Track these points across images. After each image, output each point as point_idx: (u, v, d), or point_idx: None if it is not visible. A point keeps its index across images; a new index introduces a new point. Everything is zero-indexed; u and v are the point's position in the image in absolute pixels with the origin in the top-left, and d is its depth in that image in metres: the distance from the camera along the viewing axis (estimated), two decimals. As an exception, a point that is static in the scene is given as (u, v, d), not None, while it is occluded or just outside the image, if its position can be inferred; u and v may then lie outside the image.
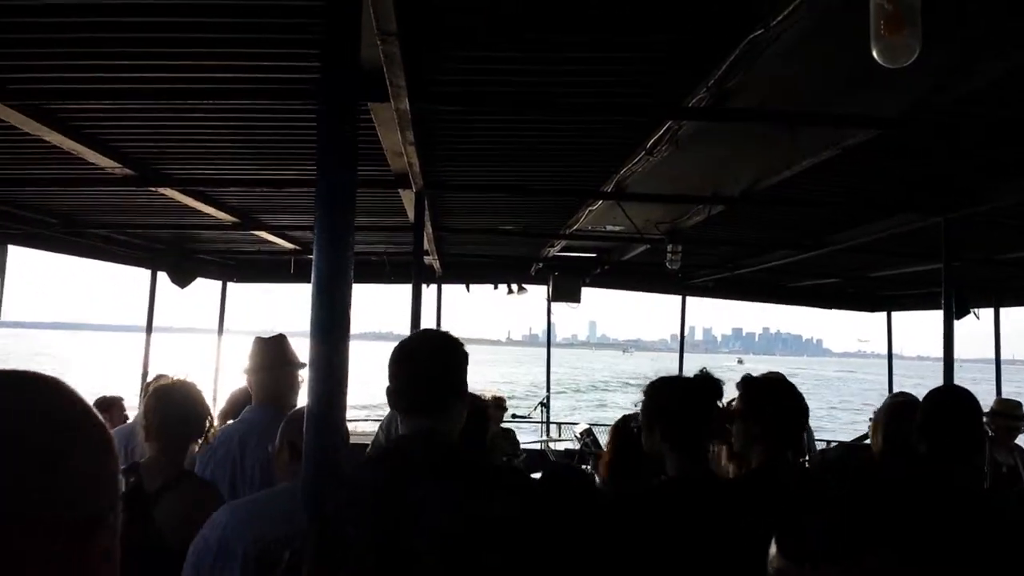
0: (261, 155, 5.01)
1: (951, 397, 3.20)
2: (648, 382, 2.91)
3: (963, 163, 4.63)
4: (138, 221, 7.47)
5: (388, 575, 2.02)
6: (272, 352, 3.79)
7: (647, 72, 3.51)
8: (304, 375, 3.64)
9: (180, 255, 9.10)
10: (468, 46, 3.27)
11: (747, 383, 3.06)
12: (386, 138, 4.16)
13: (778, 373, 3.11)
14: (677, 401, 2.74)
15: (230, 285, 10.83)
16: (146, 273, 9.38)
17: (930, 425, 3.00)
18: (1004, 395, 9.94)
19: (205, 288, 10.81)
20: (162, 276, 9.18)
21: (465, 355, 2.33)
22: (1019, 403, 6.86)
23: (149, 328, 9.39)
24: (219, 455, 3.39)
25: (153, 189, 5.67)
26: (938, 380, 5.64)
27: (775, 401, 2.98)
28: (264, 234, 7.73)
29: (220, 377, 10.38)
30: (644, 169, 4.79)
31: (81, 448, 0.83)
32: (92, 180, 5.49)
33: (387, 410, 6.45)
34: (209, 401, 3.38)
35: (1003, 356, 10.29)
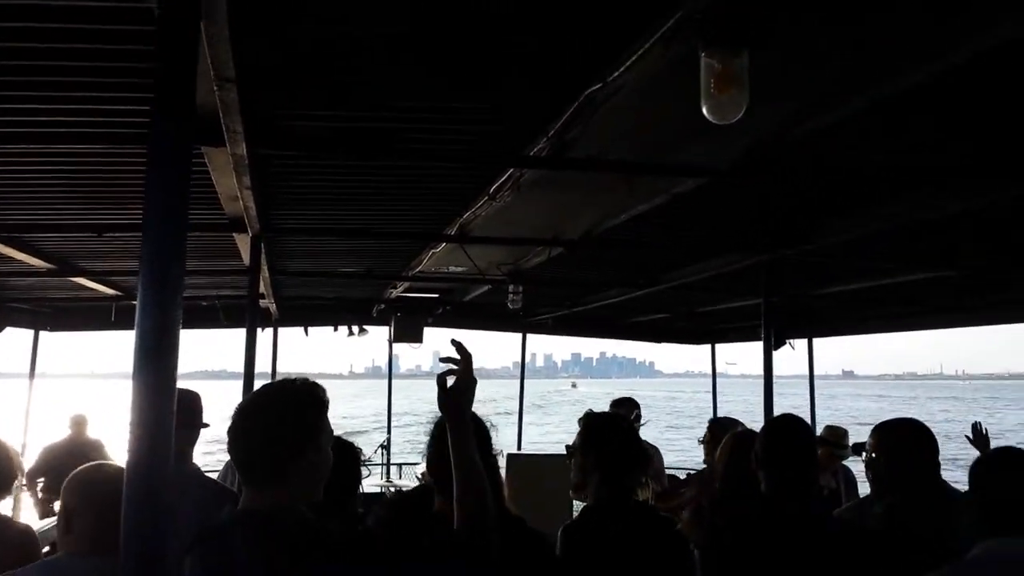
0: (84, 199, 4.69)
1: (787, 426, 3.36)
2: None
3: (784, 208, 4.97)
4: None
5: None
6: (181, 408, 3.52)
7: (490, 120, 3.56)
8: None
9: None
10: (308, 90, 3.20)
11: (587, 418, 3.15)
12: (221, 183, 3.99)
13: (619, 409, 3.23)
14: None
15: (44, 334, 10.02)
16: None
17: (770, 456, 3.15)
18: (818, 410, 10.77)
19: (15, 336, 9.99)
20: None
21: (311, 404, 2.07)
22: (846, 431, 7.34)
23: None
24: None
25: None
26: (757, 396, 6.04)
27: (611, 436, 3.08)
28: (83, 280, 7.20)
29: (31, 428, 9.60)
30: (487, 213, 4.84)
31: None
32: None
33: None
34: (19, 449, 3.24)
35: (816, 373, 11.16)
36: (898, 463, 3.08)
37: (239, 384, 5.20)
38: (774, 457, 3.10)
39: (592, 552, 2.78)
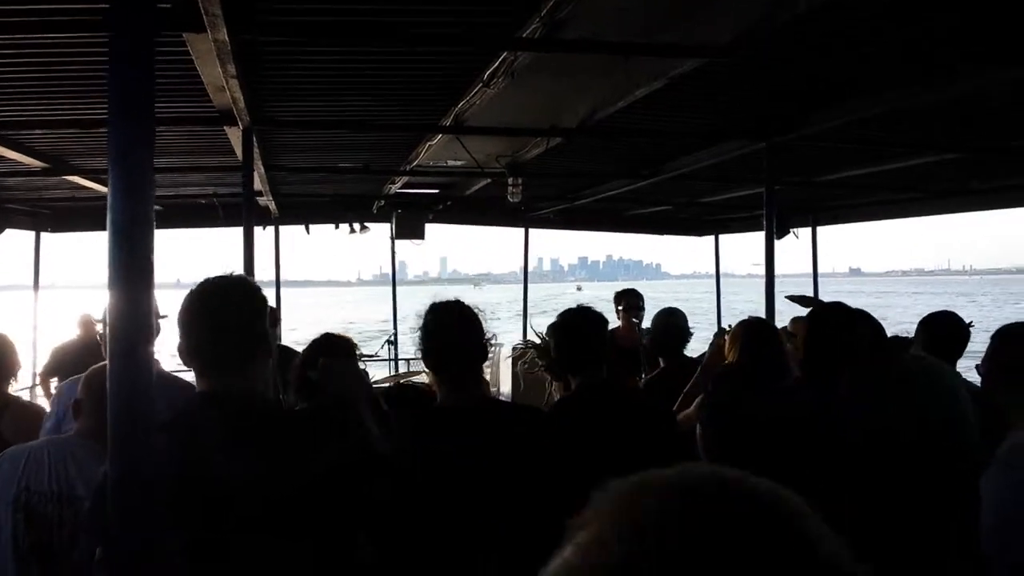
0: (69, 94, 4.58)
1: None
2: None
3: (785, 90, 4.85)
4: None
5: (197, 557, 1.89)
6: None
7: (479, 2, 3.43)
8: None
9: (-16, 205, 8.31)
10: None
11: (559, 316, 3.19)
12: (206, 72, 3.89)
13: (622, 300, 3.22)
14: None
15: (45, 235, 10.01)
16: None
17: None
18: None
19: (19, 240, 10.01)
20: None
21: (264, 301, 2.13)
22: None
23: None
24: None
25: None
26: (761, 293, 6.03)
27: (574, 330, 3.11)
28: (78, 179, 7.14)
29: (40, 333, 9.71)
30: (482, 102, 4.73)
31: None
32: None
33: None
34: (27, 356, 3.52)
35: (820, 270, 11.10)
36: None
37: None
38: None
39: (575, 435, 2.81)
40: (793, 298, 5.31)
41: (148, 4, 1.64)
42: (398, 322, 11.39)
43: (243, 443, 1.91)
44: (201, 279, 2.11)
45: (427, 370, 2.72)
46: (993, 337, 2.33)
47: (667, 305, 4.89)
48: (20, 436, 3.54)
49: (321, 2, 3.40)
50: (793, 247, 10.95)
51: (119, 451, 1.53)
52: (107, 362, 2.15)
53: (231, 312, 2.03)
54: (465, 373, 2.59)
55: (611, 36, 3.63)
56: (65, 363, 7.78)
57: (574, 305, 3.32)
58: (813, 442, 2.91)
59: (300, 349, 3.23)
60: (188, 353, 2.02)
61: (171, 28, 3.14)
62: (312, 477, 1.96)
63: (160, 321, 3.65)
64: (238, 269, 5.25)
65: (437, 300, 2.70)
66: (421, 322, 2.65)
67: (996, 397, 2.32)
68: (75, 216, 9.77)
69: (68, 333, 8.55)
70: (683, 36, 3.67)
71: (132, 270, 1.57)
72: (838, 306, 3.21)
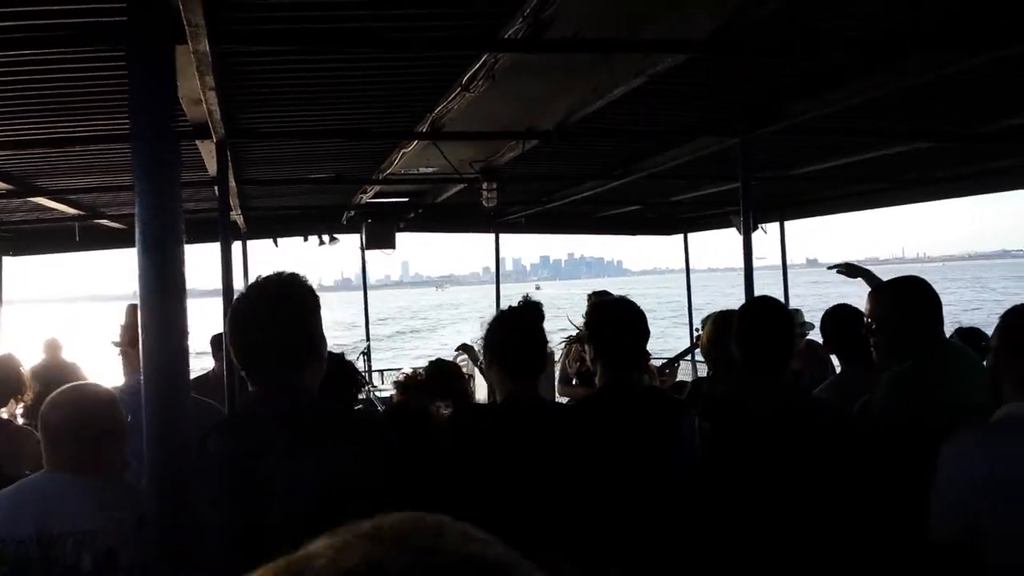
0: (37, 113, 4.48)
1: (763, 308, 3.36)
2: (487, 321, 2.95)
3: (760, 85, 4.90)
4: None
5: (248, 556, 1.89)
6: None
7: (462, 3, 3.42)
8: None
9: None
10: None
11: (593, 306, 3.13)
12: (183, 85, 3.80)
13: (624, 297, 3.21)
14: (504, 334, 2.79)
15: (7, 259, 9.78)
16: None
17: (744, 337, 3.16)
18: (791, 298, 10.91)
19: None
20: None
21: (316, 302, 2.14)
22: (799, 311, 7.46)
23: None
24: None
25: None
26: (721, 288, 6.06)
27: (615, 322, 3.07)
28: (43, 200, 6.98)
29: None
30: (460, 107, 4.71)
31: None
32: None
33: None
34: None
35: (775, 263, 11.25)
36: (907, 325, 3.05)
37: (211, 301, 5.15)
38: (748, 337, 3.11)
39: (600, 435, 2.80)
40: (842, 268, 5.32)
41: (165, 12, 1.60)
42: (370, 331, 11.32)
43: (296, 443, 1.95)
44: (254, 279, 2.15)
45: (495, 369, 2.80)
46: (1004, 316, 2.37)
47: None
48: (8, 459, 3.52)
49: (302, 9, 3.36)
50: (756, 242, 11.08)
51: (159, 468, 1.49)
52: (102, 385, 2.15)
53: (274, 319, 2.04)
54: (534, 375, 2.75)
55: (594, 34, 3.63)
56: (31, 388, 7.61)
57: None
58: (815, 435, 2.93)
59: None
60: (240, 357, 2.04)
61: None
62: (362, 477, 1.96)
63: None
64: (210, 282, 5.21)
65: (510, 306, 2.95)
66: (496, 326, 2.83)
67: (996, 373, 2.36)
68: (38, 238, 9.57)
69: (33, 356, 8.36)
70: (663, 31, 3.69)
71: (166, 287, 1.53)
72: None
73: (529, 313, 2.93)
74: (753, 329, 3.08)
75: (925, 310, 3.04)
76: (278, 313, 2.05)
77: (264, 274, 2.15)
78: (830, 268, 5.26)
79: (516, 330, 2.86)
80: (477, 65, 4.05)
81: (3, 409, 3.91)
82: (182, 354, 1.56)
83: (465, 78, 4.24)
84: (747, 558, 2.66)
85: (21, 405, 3.94)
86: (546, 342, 2.91)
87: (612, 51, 3.78)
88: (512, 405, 2.73)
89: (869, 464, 2.85)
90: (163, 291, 1.56)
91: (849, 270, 5.30)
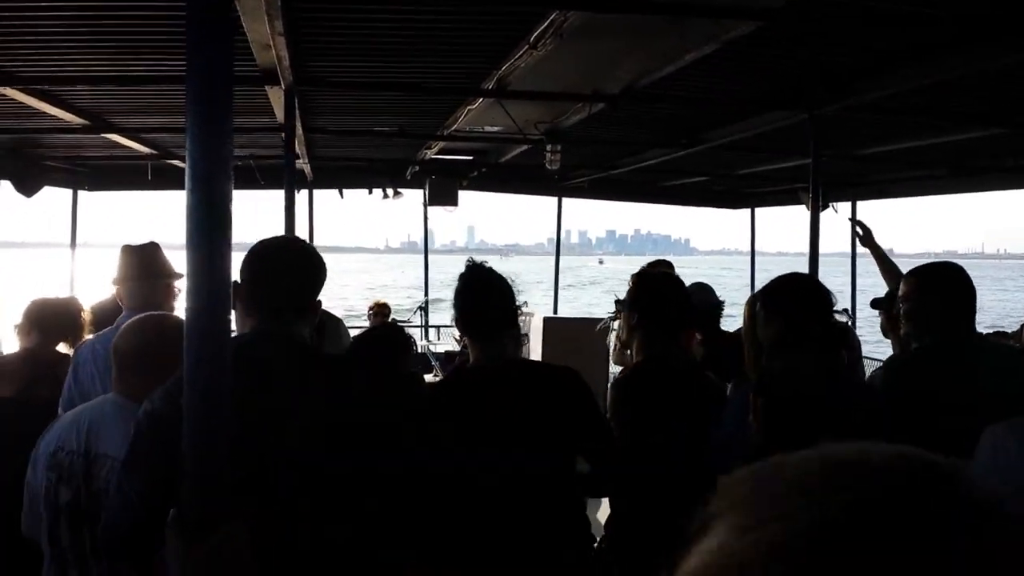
0: (111, 49, 4.57)
1: (809, 286, 3.24)
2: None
3: (832, 59, 4.73)
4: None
5: (255, 488, 1.95)
6: (144, 261, 3.80)
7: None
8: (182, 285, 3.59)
9: (24, 162, 8.35)
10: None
11: (638, 276, 3.08)
12: (252, 29, 3.86)
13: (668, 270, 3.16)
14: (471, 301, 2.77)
15: (83, 193, 10.09)
16: (-15, 183, 8.56)
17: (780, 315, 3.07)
18: (858, 286, 10.61)
19: (56, 198, 10.07)
20: (5, 185, 8.43)
21: (321, 264, 2.38)
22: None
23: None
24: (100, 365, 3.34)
25: (-12, 89, 5.14)
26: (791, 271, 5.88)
27: (657, 294, 3.02)
28: (117, 137, 7.17)
29: (77, 291, 9.78)
30: (526, 66, 4.66)
31: None
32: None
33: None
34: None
35: (847, 251, 10.87)
36: (931, 306, 3.00)
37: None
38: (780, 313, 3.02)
39: (642, 408, 2.78)
40: (858, 225, 5.27)
41: None
42: (429, 288, 11.40)
43: (293, 375, 2.11)
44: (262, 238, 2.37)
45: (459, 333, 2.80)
46: None
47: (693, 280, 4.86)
48: None
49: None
50: (828, 225, 10.75)
51: (197, 410, 1.53)
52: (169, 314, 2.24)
53: (292, 266, 2.30)
54: (495, 336, 2.70)
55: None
56: (99, 322, 7.87)
57: (594, 279, 3.26)
58: (869, 416, 2.85)
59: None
60: (247, 295, 2.25)
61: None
62: (351, 412, 2.12)
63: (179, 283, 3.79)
64: (278, 231, 5.30)
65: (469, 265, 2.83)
66: (456, 287, 2.77)
67: None
68: (112, 174, 9.84)
69: (103, 292, 8.63)
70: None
71: (211, 229, 1.56)
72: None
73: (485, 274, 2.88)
74: (788, 310, 2.99)
75: (948, 298, 2.98)
76: (300, 262, 2.33)
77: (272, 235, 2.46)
78: (849, 219, 5.18)
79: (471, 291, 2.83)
80: (546, 23, 4.00)
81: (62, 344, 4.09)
82: (224, 290, 1.59)
83: (533, 36, 4.19)
84: None
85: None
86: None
87: (684, 14, 3.67)
88: (478, 367, 2.73)
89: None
90: (209, 228, 1.58)
91: (864, 235, 5.22)
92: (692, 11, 3.65)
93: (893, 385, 3.00)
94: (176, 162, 8.67)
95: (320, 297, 2.40)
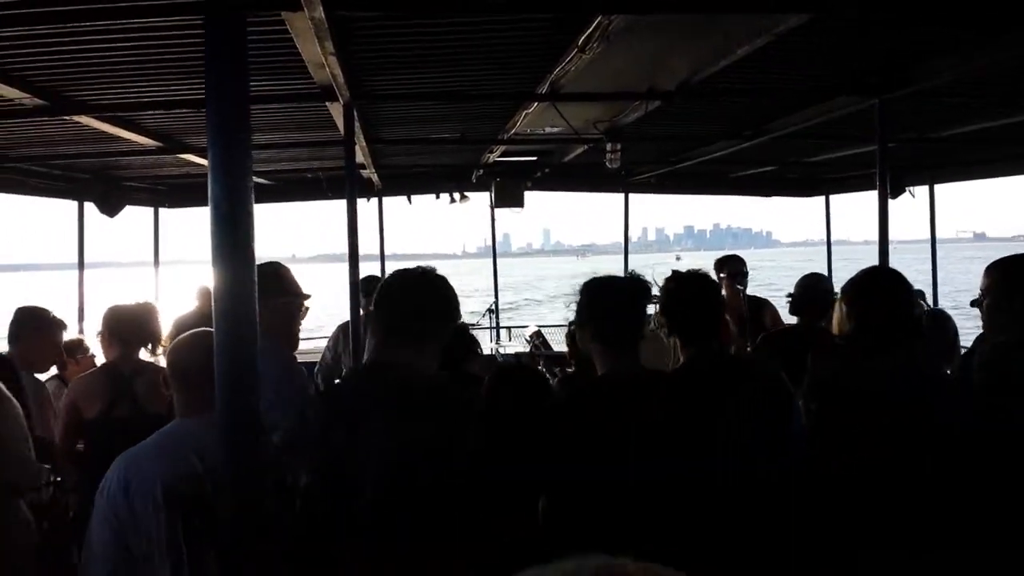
0: (176, 74, 4.76)
1: (872, 282, 3.15)
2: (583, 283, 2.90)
3: (896, 43, 4.59)
4: (57, 152, 7.12)
5: (334, 511, 2.00)
6: (266, 280, 3.78)
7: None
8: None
9: (106, 183, 8.75)
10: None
11: (667, 280, 3.05)
12: (305, 49, 3.96)
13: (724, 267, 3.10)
14: (607, 300, 2.74)
15: (163, 211, 10.51)
16: (73, 205, 9.00)
17: (852, 314, 3.00)
18: (940, 272, 10.25)
19: (138, 217, 10.50)
20: (90, 207, 8.83)
21: (451, 299, 2.44)
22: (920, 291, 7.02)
23: (81, 264, 9.07)
24: None
25: (67, 118, 5.40)
26: (873, 262, 5.72)
27: (689, 295, 2.97)
28: (191, 157, 7.45)
29: (162, 306, 10.18)
30: (578, 68, 4.66)
31: None
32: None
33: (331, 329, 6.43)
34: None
35: (941, 236, 10.47)
36: (1007, 301, 2.91)
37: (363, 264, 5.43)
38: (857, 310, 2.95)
39: (690, 407, 2.74)
40: None
41: None
42: (499, 291, 11.46)
43: (395, 412, 2.12)
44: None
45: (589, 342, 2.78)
46: None
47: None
48: (154, 401, 3.85)
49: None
50: (909, 210, 10.41)
51: (228, 428, 1.59)
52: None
53: (409, 297, 2.38)
54: (632, 345, 2.71)
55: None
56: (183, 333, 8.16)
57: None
58: (920, 422, 2.76)
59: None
60: (374, 322, 2.37)
61: (267, 8, 3.20)
62: (464, 450, 2.13)
63: (306, 302, 3.75)
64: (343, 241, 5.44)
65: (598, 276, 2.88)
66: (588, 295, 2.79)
67: None
68: (190, 192, 10.21)
69: (187, 305, 8.97)
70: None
71: (235, 248, 1.61)
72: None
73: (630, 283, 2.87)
74: (859, 305, 2.93)
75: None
76: (419, 294, 2.39)
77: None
78: None
79: (615, 300, 2.81)
80: (592, 27, 3.99)
81: (142, 351, 4.20)
82: (250, 315, 1.63)
83: (581, 39, 4.19)
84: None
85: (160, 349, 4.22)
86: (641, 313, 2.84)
87: (728, 11, 3.62)
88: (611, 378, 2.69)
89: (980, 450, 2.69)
90: (233, 252, 1.63)
91: None
92: (733, 8, 3.59)
93: (990, 375, 2.91)
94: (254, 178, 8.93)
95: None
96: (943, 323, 5.28)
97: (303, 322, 3.66)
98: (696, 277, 2.97)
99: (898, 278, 3.04)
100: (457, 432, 2.16)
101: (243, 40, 1.65)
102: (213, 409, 2.32)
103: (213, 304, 1.59)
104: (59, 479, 3.36)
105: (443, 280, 2.48)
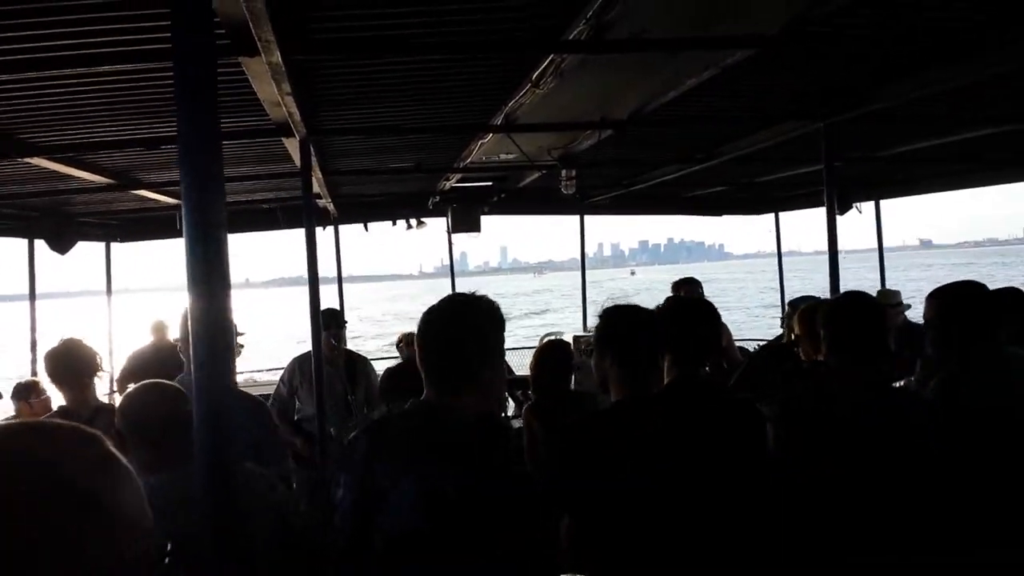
0: (129, 115, 4.74)
1: (852, 302, 3.24)
2: (603, 309, 2.94)
3: (839, 72, 4.75)
4: (9, 191, 7.01)
5: (356, 558, 2.00)
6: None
7: (524, 7, 3.44)
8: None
9: (58, 220, 8.62)
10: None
11: (667, 302, 3.10)
12: (262, 90, 3.98)
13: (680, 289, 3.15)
14: (627, 327, 2.78)
15: (115, 245, 10.38)
16: (23, 242, 8.84)
17: (834, 333, 3.07)
18: (888, 280, 10.54)
19: (90, 251, 10.36)
20: (41, 243, 8.69)
21: (501, 322, 2.24)
22: (897, 292, 7.26)
23: (32, 298, 8.91)
24: None
25: (19, 159, 5.34)
26: (825, 273, 5.91)
27: (685, 320, 3.01)
28: (145, 192, 7.38)
29: (114, 338, 10.08)
30: (531, 101, 4.74)
31: None
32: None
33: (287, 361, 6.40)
34: (104, 363, 4.06)
35: (888, 245, 10.82)
36: (951, 328, 3.03)
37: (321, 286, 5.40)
38: (838, 332, 3.02)
39: (661, 433, 2.78)
40: None
41: (208, 36, 1.72)
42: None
43: (416, 454, 2.04)
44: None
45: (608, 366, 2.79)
46: None
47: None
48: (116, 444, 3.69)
49: (368, 20, 3.45)
50: (859, 222, 10.70)
51: (205, 459, 1.60)
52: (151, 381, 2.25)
53: (438, 335, 2.18)
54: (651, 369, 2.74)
55: (659, 33, 3.60)
56: (138, 369, 8.05)
57: (624, 291, 3.24)
58: (901, 437, 2.84)
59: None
60: (419, 365, 2.18)
61: (229, 54, 3.23)
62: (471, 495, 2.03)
63: (239, 339, 3.75)
64: (303, 270, 5.44)
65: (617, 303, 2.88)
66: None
67: None
68: (143, 226, 10.09)
69: (142, 339, 8.86)
70: (732, 27, 3.63)
71: (210, 278, 1.63)
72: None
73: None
74: (839, 326, 3.01)
75: (965, 316, 3.01)
76: (462, 328, 2.17)
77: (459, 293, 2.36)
78: None
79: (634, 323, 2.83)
80: (545, 63, 4.08)
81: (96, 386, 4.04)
82: (225, 341, 1.65)
83: (534, 75, 4.27)
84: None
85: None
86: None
87: (678, 49, 3.73)
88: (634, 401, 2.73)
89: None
90: (209, 280, 1.65)
91: None
92: (686, 45, 3.70)
93: (949, 400, 2.99)
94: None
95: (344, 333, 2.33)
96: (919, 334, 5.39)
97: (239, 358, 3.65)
98: (699, 303, 3.03)
99: (874, 304, 3.13)
100: (496, 472, 2.14)
101: (213, 82, 1.71)
102: (185, 461, 2.27)
103: (191, 332, 1.62)
104: None
105: (475, 308, 2.23)
